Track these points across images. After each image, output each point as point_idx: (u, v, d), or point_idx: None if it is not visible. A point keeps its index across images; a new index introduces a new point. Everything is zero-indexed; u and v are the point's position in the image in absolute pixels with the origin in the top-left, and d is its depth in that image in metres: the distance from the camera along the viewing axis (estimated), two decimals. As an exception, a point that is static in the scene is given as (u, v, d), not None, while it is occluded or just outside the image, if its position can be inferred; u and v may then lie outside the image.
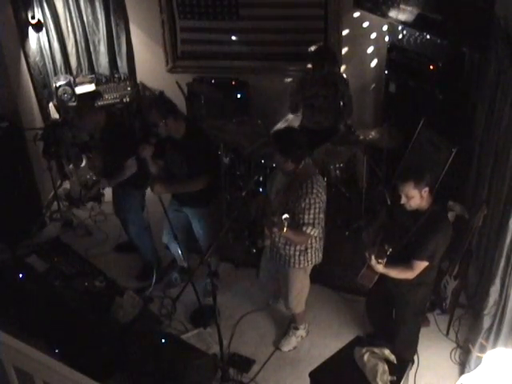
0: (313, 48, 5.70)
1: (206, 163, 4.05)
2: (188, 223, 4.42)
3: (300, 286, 3.89)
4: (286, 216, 3.19)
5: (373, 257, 3.29)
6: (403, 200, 3.29)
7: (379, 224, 3.69)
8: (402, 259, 3.35)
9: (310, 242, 3.63)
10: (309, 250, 3.69)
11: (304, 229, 3.45)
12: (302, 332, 4.20)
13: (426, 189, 3.24)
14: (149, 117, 3.97)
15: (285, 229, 3.24)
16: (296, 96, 5.30)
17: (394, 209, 3.58)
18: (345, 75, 5.38)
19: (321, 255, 3.82)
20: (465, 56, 4.85)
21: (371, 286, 3.49)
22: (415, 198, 3.25)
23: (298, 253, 3.68)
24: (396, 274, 3.37)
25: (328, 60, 5.07)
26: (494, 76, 3.91)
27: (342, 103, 5.18)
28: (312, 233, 3.49)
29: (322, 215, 3.50)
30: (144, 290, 4.57)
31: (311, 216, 3.44)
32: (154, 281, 4.58)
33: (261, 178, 4.68)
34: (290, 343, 4.15)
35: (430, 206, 3.33)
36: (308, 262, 3.74)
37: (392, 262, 3.34)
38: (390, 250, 3.26)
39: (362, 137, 4.82)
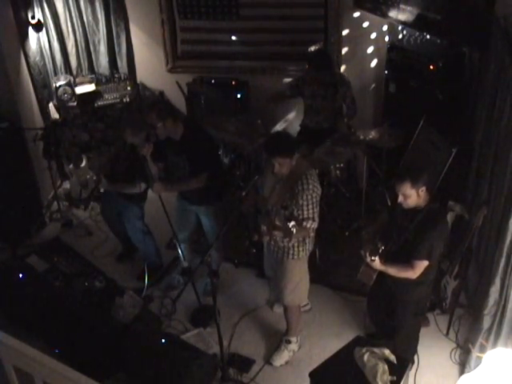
0: (313, 48, 5.70)
1: (205, 162, 4.05)
2: (197, 223, 4.42)
3: (299, 277, 3.87)
4: (293, 223, 3.27)
5: (367, 254, 3.33)
6: (400, 199, 3.33)
7: (380, 223, 3.71)
8: (401, 258, 3.36)
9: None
10: (307, 240, 3.74)
11: (305, 224, 3.50)
12: (294, 346, 4.13)
13: (424, 188, 3.27)
14: (147, 119, 3.97)
15: (293, 236, 3.32)
16: (288, 91, 5.31)
17: (394, 208, 3.59)
18: (346, 76, 5.37)
19: (313, 242, 3.87)
20: (465, 56, 4.85)
21: (371, 284, 3.51)
22: (412, 197, 3.29)
23: (296, 244, 3.71)
24: (395, 272, 3.39)
25: (323, 66, 5.05)
26: (494, 76, 3.91)
27: (344, 105, 5.17)
28: (313, 226, 3.57)
29: (317, 208, 3.57)
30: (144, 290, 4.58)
31: (310, 211, 3.51)
32: (146, 283, 4.58)
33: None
34: (282, 357, 4.08)
35: (428, 205, 3.34)
36: (306, 251, 3.79)
37: (391, 261, 3.36)
38: (383, 247, 3.32)
39: (362, 137, 4.82)
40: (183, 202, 4.34)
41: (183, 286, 4.59)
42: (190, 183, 4.11)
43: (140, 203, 4.57)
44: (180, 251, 4.45)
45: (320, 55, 5.26)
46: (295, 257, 3.75)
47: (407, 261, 3.35)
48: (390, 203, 4.45)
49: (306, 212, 3.50)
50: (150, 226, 4.77)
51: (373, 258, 3.31)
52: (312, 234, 3.75)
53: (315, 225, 3.58)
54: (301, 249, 3.73)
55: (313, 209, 3.51)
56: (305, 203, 3.48)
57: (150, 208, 4.68)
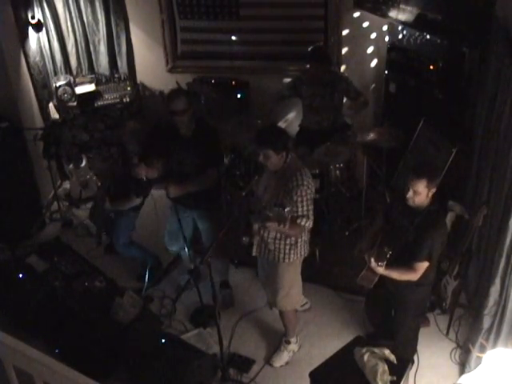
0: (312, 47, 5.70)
1: (215, 159, 4.04)
2: (193, 226, 4.40)
3: (290, 282, 3.80)
4: (288, 209, 3.17)
5: (372, 259, 3.29)
6: (409, 194, 3.27)
7: (375, 230, 3.67)
8: (402, 259, 3.35)
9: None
10: (299, 244, 3.65)
11: (299, 221, 3.44)
12: (293, 346, 4.12)
13: (434, 190, 3.25)
14: (172, 105, 3.88)
15: (288, 222, 3.20)
16: (286, 91, 5.30)
17: (391, 210, 3.58)
18: (343, 72, 5.36)
19: (308, 247, 3.78)
20: (465, 56, 4.84)
21: (371, 287, 3.49)
22: (422, 195, 3.25)
23: (288, 247, 3.63)
24: (398, 275, 3.36)
25: (321, 62, 5.04)
26: (494, 76, 3.91)
27: (348, 101, 5.14)
28: (307, 224, 3.48)
29: (312, 206, 3.50)
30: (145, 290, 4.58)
31: (304, 208, 3.44)
32: (146, 283, 4.58)
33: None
34: (281, 358, 4.08)
35: (428, 206, 3.34)
36: (298, 255, 3.69)
37: (393, 263, 3.34)
38: (390, 252, 3.26)
39: (362, 137, 4.82)
40: (179, 206, 4.19)
41: (192, 286, 4.50)
42: (202, 181, 4.01)
43: (137, 212, 4.54)
44: (188, 253, 4.40)
45: (317, 50, 5.23)
46: (286, 260, 3.68)
47: (408, 262, 3.34)
48: (388, 203, 4.44)
49: (300, 209, 3.42)
50: (148, 227, 4.77)
51: (380, 263, 3.26)
52: (305, 238, 3.68)
53: (310, 223, 3.49)
54: (292, 252, 3.65)
55: (307, 206, 3.44)
56: (299, 199, 3.41)
57: (149, 209, 4.67)
